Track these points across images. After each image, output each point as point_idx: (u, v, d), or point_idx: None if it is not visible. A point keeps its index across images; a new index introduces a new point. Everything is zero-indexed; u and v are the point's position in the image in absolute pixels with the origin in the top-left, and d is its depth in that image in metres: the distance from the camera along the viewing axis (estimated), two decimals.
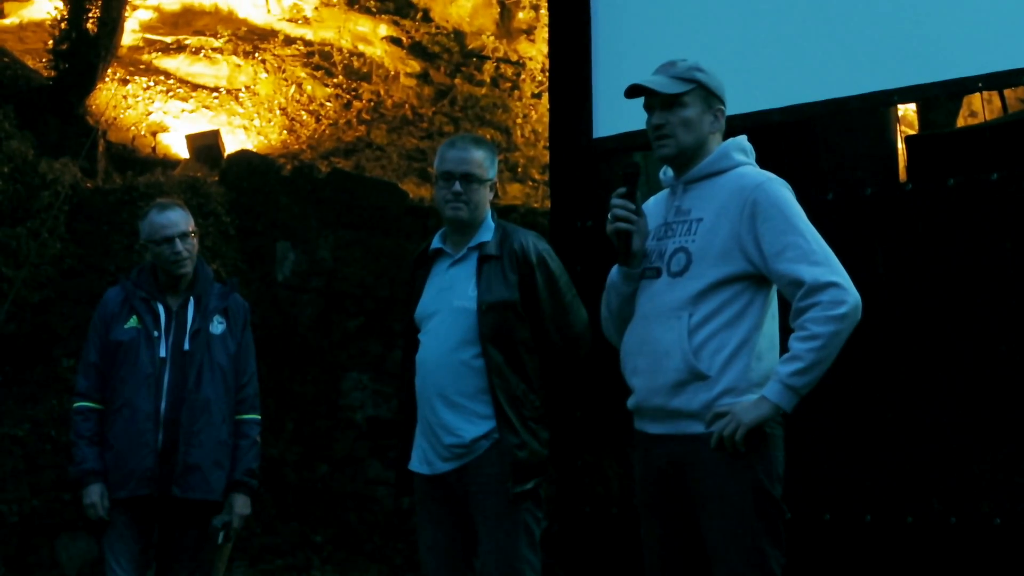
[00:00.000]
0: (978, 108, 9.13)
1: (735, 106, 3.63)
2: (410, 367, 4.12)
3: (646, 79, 3.39)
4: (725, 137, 3.47)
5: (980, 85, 5.50)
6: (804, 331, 3.14)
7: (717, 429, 3.15)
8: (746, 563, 3.15)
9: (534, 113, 15.07)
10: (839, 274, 3.18)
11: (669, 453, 3.29)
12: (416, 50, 15.81)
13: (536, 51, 15.22)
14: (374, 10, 15.82)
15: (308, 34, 15.45)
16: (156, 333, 4.58)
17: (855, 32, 5.64)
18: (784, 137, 5.61)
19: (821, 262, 3.19)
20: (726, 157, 3.40)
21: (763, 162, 3.48)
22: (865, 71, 5.57)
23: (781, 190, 3.30)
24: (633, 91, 3.41)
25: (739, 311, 3.26)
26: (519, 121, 15.29)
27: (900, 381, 5.20)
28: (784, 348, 3.23)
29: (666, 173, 3.51)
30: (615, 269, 3.47)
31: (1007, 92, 8.54)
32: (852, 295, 3.15)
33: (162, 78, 14.40)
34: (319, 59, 15.30)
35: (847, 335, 3.15)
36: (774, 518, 3.20)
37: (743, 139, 3.48)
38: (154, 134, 13.88)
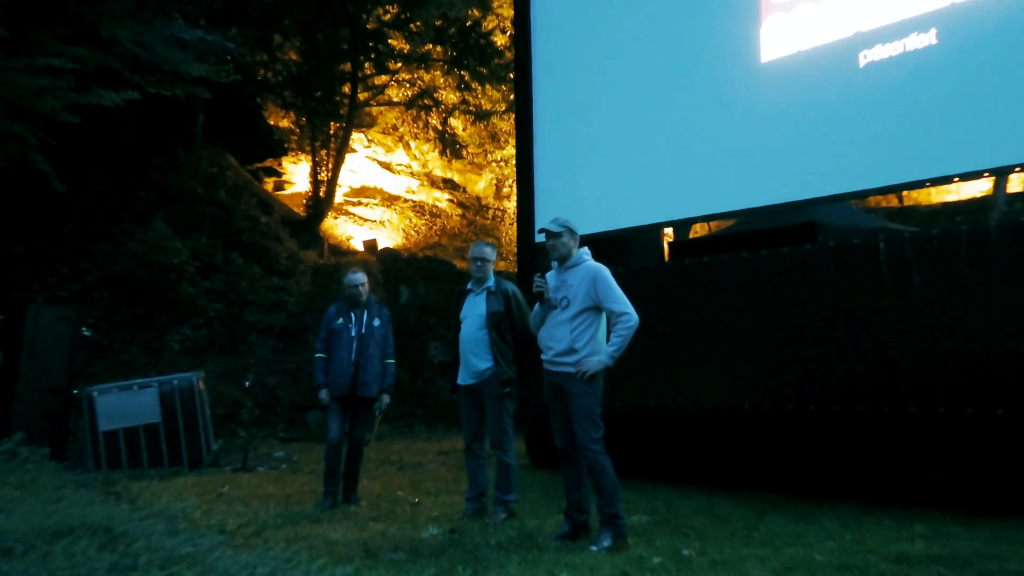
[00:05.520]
0: (700, 229, 9.19)
1: (585, 228, 3.50)
2: (457, 339, 4.06)
3: (547, 225, 3.34)
4: (581, 246, 3.40)
5: (700, 218, 5.40)
6: (615, 333, 3.13)
7: (578, 370, 3.15)
8: (587, 422, 3.14)
9: (511, 232, 15.04)
10: (629, 308, 3.16)
11: (559, 379, 3.25)
12: (460, 204, 15.84)
13: (512, 204, 15.24)
14: (442, 187, 15.87)
15: (414, 197, 15.45)
16: (350, 326, 4.54)
17: (642, 186, 5.44)
18: (607, 244, 5.39)
19: (622, 302, 3.17)
20: (580, 257, 3.35)
21: (596, 257, 3.40)
22: (646, 209, 5.41)
23: (605, 271, 3.27)
24: (541, 231, 3.38)
25: (590, 323, 3.22)
26: (503, 236, 15.31)
27: (662, 351, 5.11)
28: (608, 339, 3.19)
29: (555, 265, 3.40)
30: (537, 306, 3.38)
31: (712, 223, 8.56)
32: (634, 317, 3.14)
33: (352, 216, 14.36)
34: (418, 208, 15.30)
35: (633, 333, 3.14)
36: (599, 407, 3.19)
37: (587, 248, 3.41)
38: (349, 239, 13.83)
